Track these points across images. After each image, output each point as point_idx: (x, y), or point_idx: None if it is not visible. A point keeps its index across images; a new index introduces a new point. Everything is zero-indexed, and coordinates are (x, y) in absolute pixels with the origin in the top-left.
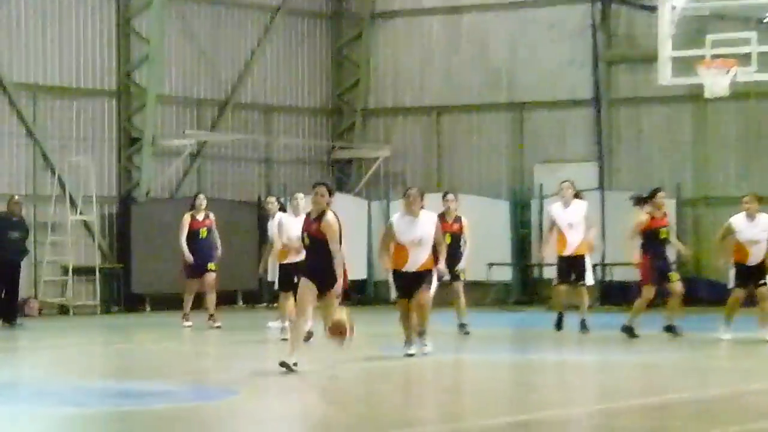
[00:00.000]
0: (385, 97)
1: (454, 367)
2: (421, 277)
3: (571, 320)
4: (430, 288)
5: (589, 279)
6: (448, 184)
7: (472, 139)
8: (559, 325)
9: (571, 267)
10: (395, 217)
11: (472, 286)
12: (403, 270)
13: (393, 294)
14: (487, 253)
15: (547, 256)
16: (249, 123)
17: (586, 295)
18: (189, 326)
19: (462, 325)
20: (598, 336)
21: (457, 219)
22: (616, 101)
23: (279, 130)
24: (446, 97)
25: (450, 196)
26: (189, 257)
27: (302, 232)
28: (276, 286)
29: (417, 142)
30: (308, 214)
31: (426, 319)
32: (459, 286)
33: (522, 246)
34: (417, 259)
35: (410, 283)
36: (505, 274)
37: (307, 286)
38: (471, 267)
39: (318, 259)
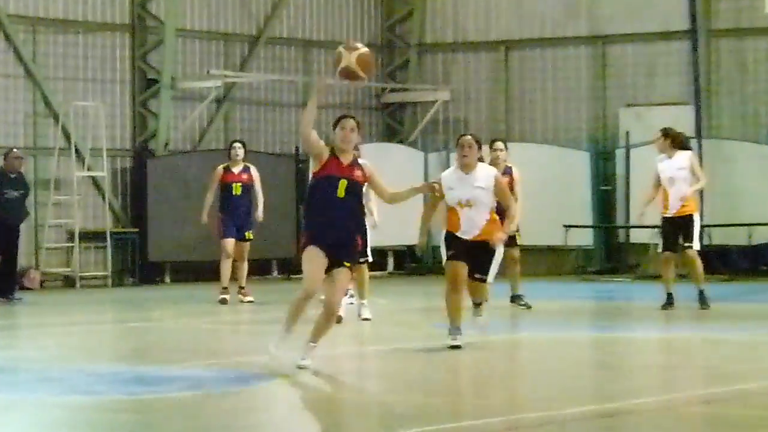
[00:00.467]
0: (444, 29)
1: (527, 346)
2: (480, 251)
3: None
4: (489, 276)
5: (697, 242)
6: (517, 131)
7: (545, 78)
8: (667, 304)
9: (677, 229)
10: (446, 173)
11: (547, 252)
12: (458, 234)
13: (444, 259)
14: (563, 214)
15: (638, 216)
16: (285, 61)
17: (697, 261)
18: (225, 301)
19: (517, 297)
20: (693, 309)
21: (507, 170)
22: (715, 33)
23: (320, 69)
24: (516, 29)
25: (499, 144)
26: (204, 219)
27: (334, 179)
28: None
29: (481, 83)
30: (333, 156)
31: (486, 292)
32: (515, 252)
33: (605, 204)
34: (472, 225)
35: (468, 250)
36: (585, 238)
37: (319, 258)
38: (544, 229)
39: (351, 217)
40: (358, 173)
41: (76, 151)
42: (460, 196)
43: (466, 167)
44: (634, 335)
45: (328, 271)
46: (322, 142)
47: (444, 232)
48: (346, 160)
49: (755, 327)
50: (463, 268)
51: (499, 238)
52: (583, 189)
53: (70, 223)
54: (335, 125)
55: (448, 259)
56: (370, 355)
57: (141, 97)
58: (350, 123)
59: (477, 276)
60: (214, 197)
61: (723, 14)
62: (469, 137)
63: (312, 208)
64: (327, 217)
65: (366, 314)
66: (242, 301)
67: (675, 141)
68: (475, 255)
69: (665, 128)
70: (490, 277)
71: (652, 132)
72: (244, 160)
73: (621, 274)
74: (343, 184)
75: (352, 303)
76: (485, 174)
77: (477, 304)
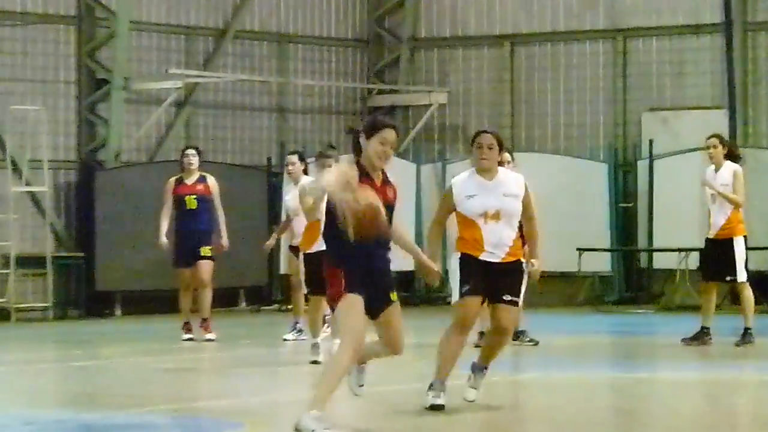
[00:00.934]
0: (440, 22)
1: (534, 388)
2: (506, 276)
3: (691, 324)
4: (519, 298)
5: (742, 273)
6: (524, 139)
7: (557, 78)
8: (696, 338)
9: (718, 254)
10: (459, 178)
11: (558, 280)
12: (480, 258)
13: (456, 293)
14: (576, 235)
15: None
16: (256, 59)
17: (744, 294)
18: (190, 339)
19: (521, 333)
20: (727, 345)
21: None
22: (753, 26)
23: (296, 68)
24: (523, 21)
25: (505, 156)
26: (161, 240)
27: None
28: (304, 288)
29: (483, 84)
30: (365, 177)
31: (500, 351)
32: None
33: (625, 224)
34: (499, 243)
35: (493, 275)
36: (602, 263)
37: (360, 307)
38: (554, 253)
39: (387, 248)
40: (390, 194)
41: (13, 162)
42: (486, 205)
43: (485, 172)
44: (658, 375)
45: (369, 311)
46: (353, 171)
47: (458, 255)
48: (377, 178)
49: None
50: (477, 306)
51: (537, 272)
52: (600, 206)
53: (5, 246)
54: (370, 133)
55: (462, 295)
56: (347, 399)
57: (89, 100)
58: (393, 137)
59: (506, 298)
60: (170, 215)
61: (761, 4)
62: (489, 135)
63: (339, 241)
64: (362, 256)
65: None
66: (202, 339)
67: (730, 149)
68: (503, 277)
69: (719, 135)
70: (520, 301)
71: (678, 140)
72: (199, 169)
73: (643, 305)
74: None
75: (316, 343)
76: (513, 180)
77: (482, 368)
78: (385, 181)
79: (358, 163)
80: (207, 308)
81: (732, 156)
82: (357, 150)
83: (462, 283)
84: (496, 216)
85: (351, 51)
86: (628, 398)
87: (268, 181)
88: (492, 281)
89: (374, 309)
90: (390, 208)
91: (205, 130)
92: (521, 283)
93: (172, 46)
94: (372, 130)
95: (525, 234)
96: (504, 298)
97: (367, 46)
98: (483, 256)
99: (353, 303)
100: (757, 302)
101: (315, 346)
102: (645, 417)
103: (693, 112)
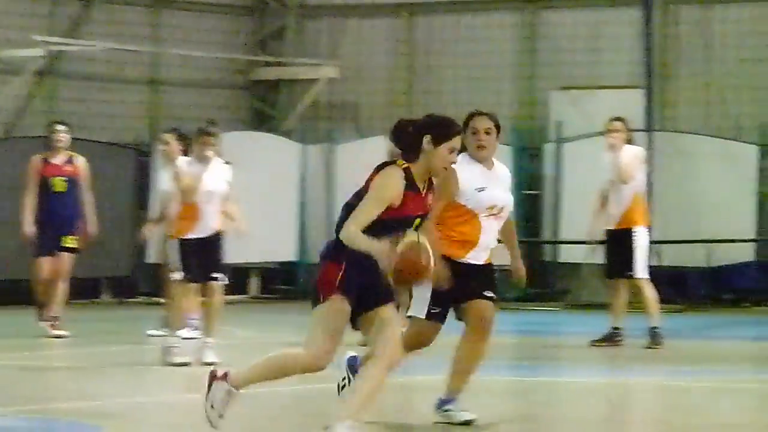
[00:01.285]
0: None
1: (423, 391)
2: (484, 274)
3: (599, 323)
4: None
5: (639, 268)
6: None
7: (459, 52)
8: (605, 339)
9: (618, 247)
10: (462, 162)
11: None
12: (464, 260)
13: (419, 305)
14: None
15: (593, 234)
16: (127, 26)
17: (646, 291)
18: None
19: None
20: (639, 347)
21: None
22: None
23: (172, 36)
24: None
25: None
26: (28, 227)
27: (410, 220)
28: (174, 273)
29: (378, 58)
30: (410, 184)
31: (482, 359)
32: None
33: (529, 213)
34: (490, 243)
35: (466, 278)
36: (502, 256)
37: (344, 317)
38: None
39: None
40: (430, 199)
41: None
42: (495, 198)
43: (484, 161)
44: (562, 379)
45: (359, 313)
46: (396, 190)
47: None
48: (423, 183)
49: (716, 370)
50: (436, 333)
51: (523, 275)
52: None
53: None
54: (440, 139)
55: (429, 315)
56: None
57: None
58: (460, 144)
59: (488, 294)
60: (35, 198)
61: None
62: (486, 117)
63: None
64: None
65: (210, 357)
66: (53, 334)
67: (629, 135)
68: (482, 275)
69: (624, 119)
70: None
71: (590, 122)
72: (68, 148)
73: (547, 302)
74: (416, 223)
75: (195, 337)
76: (505, 170)
77: (458, 392)
78: (430, 186)
79: (406, 174)
80: (61, 305)
81: (629, 141)
82: (411, 148)
83: (433, 299)
84: (499, 212)
85: (232, 19)
86: (529, 404)
87: (138, 160)
88: (466, 281)
89: (371, 299)
90: (426, 215)
91: (69, 104)
92: (495, 279)
93: (34, 11)
94: (444, 135)
95: (504, 234)
96: (485, 294)
97: (251, 13)
98: (467, 258)
99: (338, 309)
100: (670, 300)
101: (206, 346)
102: (547, 424)
103: (607, 91)
